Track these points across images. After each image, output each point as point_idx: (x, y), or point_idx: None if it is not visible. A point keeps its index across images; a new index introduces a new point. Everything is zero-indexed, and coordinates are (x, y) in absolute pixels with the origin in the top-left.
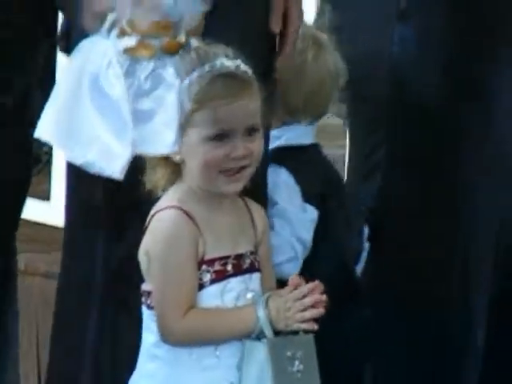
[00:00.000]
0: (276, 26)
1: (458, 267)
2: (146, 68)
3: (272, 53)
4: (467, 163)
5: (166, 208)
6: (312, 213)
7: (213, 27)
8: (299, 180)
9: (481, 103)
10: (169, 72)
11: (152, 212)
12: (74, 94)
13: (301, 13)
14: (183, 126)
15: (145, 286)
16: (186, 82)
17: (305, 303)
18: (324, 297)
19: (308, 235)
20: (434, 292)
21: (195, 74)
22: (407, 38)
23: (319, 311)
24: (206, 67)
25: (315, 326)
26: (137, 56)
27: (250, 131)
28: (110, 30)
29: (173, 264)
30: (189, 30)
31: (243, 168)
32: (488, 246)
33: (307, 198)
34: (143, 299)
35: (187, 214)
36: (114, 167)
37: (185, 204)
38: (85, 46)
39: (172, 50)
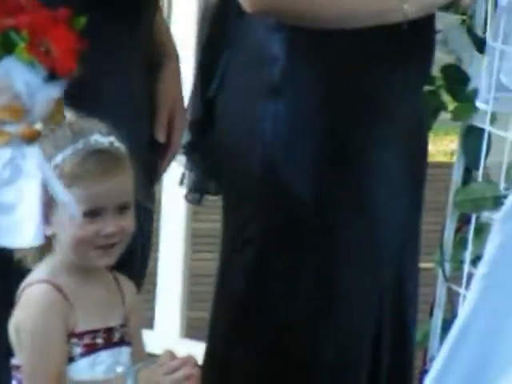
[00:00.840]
0: (161, 137)
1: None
2: (2, 156)
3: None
4: (340, 239)
5: (36, 282)
6: None
7: None
8: None
9: (353, 183)
10: (28, 162)
11: (22, 286)
12: None
13: (185, 120)
14: (54, 201)
15: (14, 361)
16: (60, 157)
17: (175, 377)
18: (196, 371)
19: None
20: None
21: (69, 150)
22: (279, 114)
23: None
24: (80, 144)
25: None
26: None
27: (122, 208)
28: None
29: (41, 338)
30: (47, 119)
31: (114, 244)
32: (367, 323)
33: None
34: (13, 373)
35: (57, 287)
36: None
37: (55, 278)
38: None
39: (29, 138)
